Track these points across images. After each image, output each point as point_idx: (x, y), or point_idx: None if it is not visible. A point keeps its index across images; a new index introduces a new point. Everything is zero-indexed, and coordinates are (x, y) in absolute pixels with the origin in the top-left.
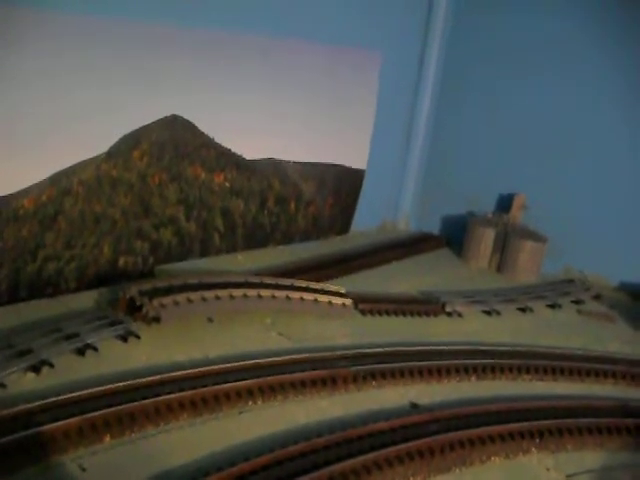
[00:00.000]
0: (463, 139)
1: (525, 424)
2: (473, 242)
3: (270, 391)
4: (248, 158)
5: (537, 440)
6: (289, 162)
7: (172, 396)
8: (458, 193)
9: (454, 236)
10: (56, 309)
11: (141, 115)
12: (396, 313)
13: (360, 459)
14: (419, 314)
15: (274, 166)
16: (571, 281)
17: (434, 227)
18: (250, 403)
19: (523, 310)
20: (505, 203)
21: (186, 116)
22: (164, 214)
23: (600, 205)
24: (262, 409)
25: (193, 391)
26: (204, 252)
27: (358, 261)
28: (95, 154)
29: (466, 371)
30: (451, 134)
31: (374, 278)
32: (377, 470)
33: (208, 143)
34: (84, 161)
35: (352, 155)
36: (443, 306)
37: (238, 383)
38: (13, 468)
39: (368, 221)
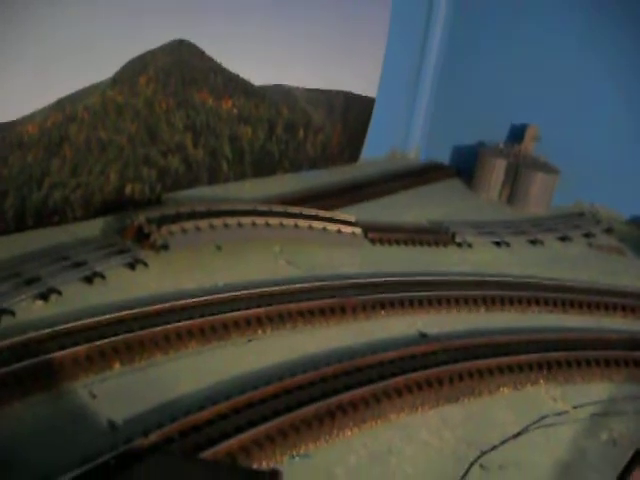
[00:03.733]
0: (476, 67)
1: (534, 356)
2: (484, 173)
3: (279, 320)
4: (257, 84)
5: (545, 372)
6: (298, 88)
7: (181, 324)
8: (469, 123)
9: (465, 166)
10: (63, 237)
11: (147, 40)
12: (406, 242)
13: (369, 388)
14: (429, 244)
15: (283, 93)
16: (582, 214)
17: (444, 157)
18: (259, 331)
19: (533, 242)
20: (517, 134)
21: (193, 40)
22: (171, 141)
23: (612, 138)
24: (271, 337)
25: (202, 319)
26: (212, 180)
27: (367, 190)
28: (100, 79)
29: (475, 302)
30: (464, 62)
31: (383, 207)
32: (386, 399)
33: (216, 68)
34: (89, 87)
35: (362, 82)
36: (453, 236)
37: (247, 311)
38: (25, 394)
39: (378, 149)
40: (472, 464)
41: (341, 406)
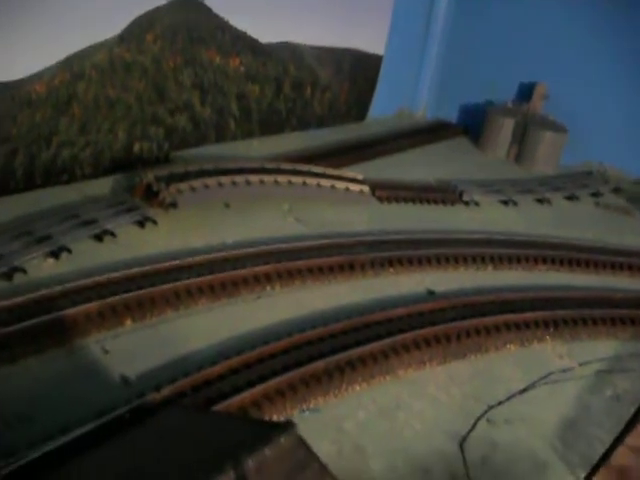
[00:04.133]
0: (484, 26)
1: (540, 313)
2: (492, 131)
3: (288, 276)
4: (264, 42)
5: (551, 329)
6: (306, 46)
7: (191, 281)
8: (477, 81)
9: (472, 125)
10: (72, 195)
11: None
12: (413, 201)
13: (377, 344)
14: (436, 202)
15: (290, 50)
16: (590, 173)
17: (452, 116)
18: (268, 288)
19: (540, 201)
20: (525, 92)
21: None
22: (179, 99)
23: (621, 96)
24: (280, 294)
25: (211, 276)
26: (219, 138)
27: (375, 148)
28: (107, 37)
29: (483, 260)
30: (472, 21)
31: (391, 166)
32: (394, 355)
33: (223, 26)
34: (96, 44)
35: (370, 40)
36: (460, 195)
37: (256, 268)
38: (39, 350)
39: (386, 108)
40: (479, 419)
41: (350, 362)
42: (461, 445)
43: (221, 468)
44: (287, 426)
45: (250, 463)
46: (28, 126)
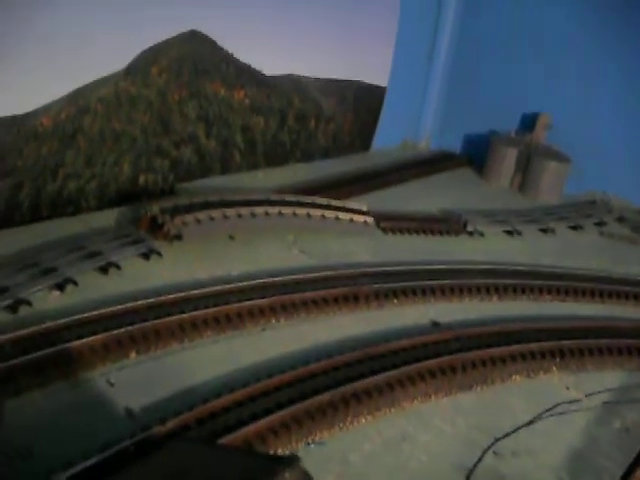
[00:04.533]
0: (487, 57)
1: (546, 344)
2: (495, 161)
3: (292, 308)
4: (268, 74)
5: (558, 360)
6: (309, 78)
7: (196, 313)
8: (481, 112)
9: (476, 155)
10: (78, 227)
11: (159, 31)
12: (417, 231)
13: (382, 376)
14: (440, 233)
15: (294, 82)
16: (593, 203)
17: (456, 146)
18: (273, 320)
19: (545, 231)
20: (529, 122)
21: (205, 31)
22: (184, 131)
23: (624, 126)
24: (285, 326)
25: (216, 308)
26: (224, 170)
27: (379, 179)
28: (113, 71)
29: (487, 291)
30: (474, 51)
31: (395, 196)
32: (399, 387)
33: (227, 59)
34: (102, 78)
35: (373, 71)
36: (464, 225)
37: (261, 300)
38: (44, 383)
39: (389, 139)
40: (485, 451)
41: (355, 394)
42: (468, 478)
43: None
44: (292, 460)
45: None
46: (34, 159)
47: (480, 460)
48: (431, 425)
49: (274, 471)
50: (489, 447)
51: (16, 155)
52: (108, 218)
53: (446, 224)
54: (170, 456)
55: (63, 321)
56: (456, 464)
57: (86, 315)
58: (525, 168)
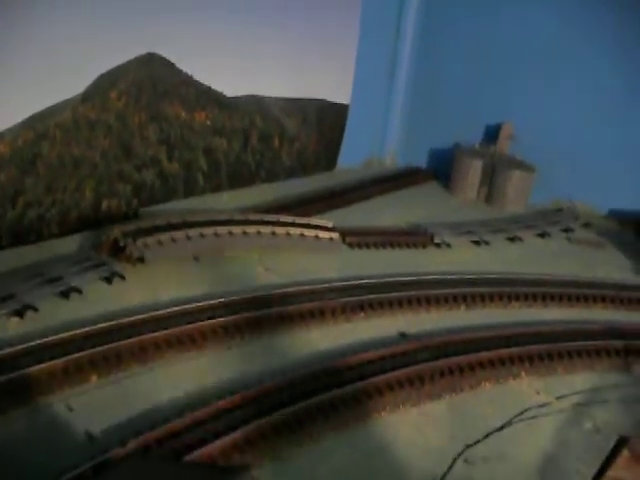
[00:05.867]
0: (448, 70)
1: (515, 349)
2: (461, 174)
3: (257, 325)
4: (229, 95)
5: (527, 365)
6: (271, 98)
7: (157, 334)
8: (445, 125)
9: (442, 169)
10: (39, 255)
11: (116, 54)
12: (384, 245)
13: (349, 388)
14: (407, 246)
15: (256, 103)
16: (560, 210)
17: (421, 161)
18: (237, 338)
19: (512, 240)
20: (492, 133)
21: (163, 54)
22: (145, 155)
23: (587, 133)
24: (250, 344)
25: (178, 328)
26: (188, 192)
27: (344, 196)
28: (70, 96)
29: (455, 300)
30: (436, 65)
31: (361, 213)
32: (367, 399)
33: (187, 81)
34: (59, 103)
35: (335, 89)
36: (432, 237)
37: (225, 318)
38: (1, 409)
39: (354, 157)
40: (456, 459)
41: (321, 407)
42: None
43: None
44: (241, 470)
45: None
46: None
47: (450, 468)
48: (400, 436)
49: None
50: (459, 455)
51: None
52: (71, 244)
53: (413, 237)
54: (126, 473)
55: (22, 347)
56: (427, 474)
57: (45, 340)
58: (491, 179)
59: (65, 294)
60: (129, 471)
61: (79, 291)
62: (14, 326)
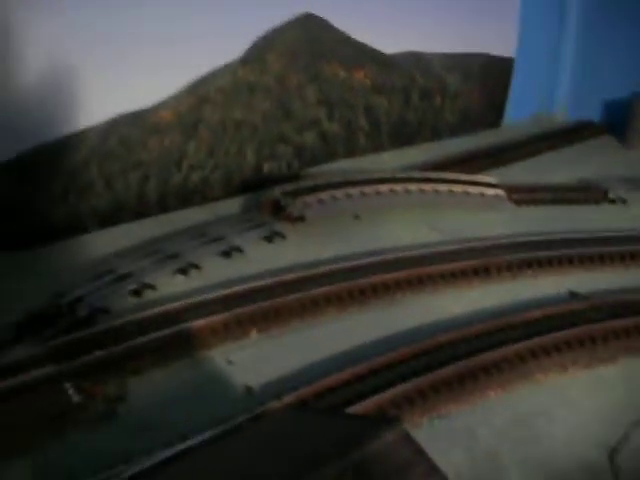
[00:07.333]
0: (624, 8)
1: None
2: (638, 125)
3: (418, 283)
4: (387, 53)
5: None
6: (431, 54)
7: (317, 291)
8: (621, 73)
9: (617, 122)
10: (203, 216)
11: (273, 16)
12: (554, 202)
13: (513, 347)
14: (579, 202)
15: (415, 59)
16: None
17: (594, 114)
18: (399, 295)
19: None
20: None
21: (319, 13)
22: (305, 116)
23: None
24: (410, 301)
25: (338, 285)
26: (349, 153)
27: (511, 153)
28: (229, 60)
29: (632, 258)
30: (608, 10)
31: (529, 170)
32: (532, 359)
33: (344, 40)
34: (219, 68)
35: (499, 42)
36: (605, 193)
37: (385, 275)
38: (165, 361)
39: (521, 112)
40: (632, 428)
41: (484, 366)
42: (611, 457)
43: (324, 463)
44: (392, 422)
45: (353, 458)
46: (158, 151)
47: (626, 438)
48: (568, 399)
49: (375, 432)
50: (636, 424)
51: (141, 149)
52: (233, 205)
53: (585, 193)
54: (275, 424)
55: (184, 302)
56: (597, 442)
57: (206, 296)
58: None
59: (227, 253)
60: (283, 422)
61: (240, 250)
62: (178, 284)
